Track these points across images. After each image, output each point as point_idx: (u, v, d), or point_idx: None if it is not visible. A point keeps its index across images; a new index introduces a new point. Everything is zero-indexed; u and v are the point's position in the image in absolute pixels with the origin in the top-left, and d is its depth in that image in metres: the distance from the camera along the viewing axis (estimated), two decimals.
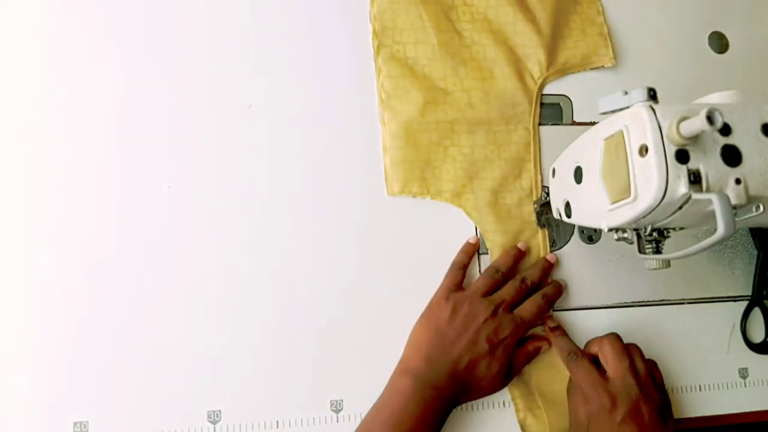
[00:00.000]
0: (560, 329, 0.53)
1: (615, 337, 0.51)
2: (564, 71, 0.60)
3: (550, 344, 0.53)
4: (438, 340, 0.49)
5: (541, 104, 0.59)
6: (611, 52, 0.60)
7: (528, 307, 0.51)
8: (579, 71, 0.60)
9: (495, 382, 0.50)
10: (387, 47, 0.57)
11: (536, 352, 0.53)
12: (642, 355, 0.51)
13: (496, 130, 0.57)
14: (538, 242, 0.56)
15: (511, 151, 0.57)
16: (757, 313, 0.58)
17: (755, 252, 0.59)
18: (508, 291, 0.51)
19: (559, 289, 0.54)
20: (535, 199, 0.56)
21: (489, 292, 0.51)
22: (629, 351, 0.50)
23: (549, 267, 0.55)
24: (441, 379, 0.47)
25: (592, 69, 0.60)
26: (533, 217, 0.56)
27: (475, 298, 0.50)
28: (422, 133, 0.55)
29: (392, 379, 0.49)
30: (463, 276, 0.53)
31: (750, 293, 0.59)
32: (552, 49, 0.59)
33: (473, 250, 0.54)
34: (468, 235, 0.55)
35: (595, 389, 0.48)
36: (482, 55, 0.58)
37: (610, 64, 0.60)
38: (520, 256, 0.55)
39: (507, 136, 0.57)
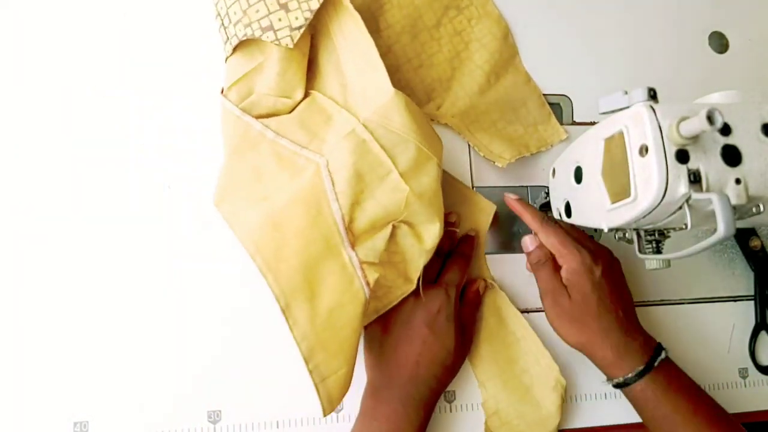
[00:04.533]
0: (523, 201, 0.53)
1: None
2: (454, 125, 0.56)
3: (486, 284, 0.53)
4: (384, 356, 0.48)
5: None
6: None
7: (448, 271, 0.50)
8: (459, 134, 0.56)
9: (457, 353, 0.48)
10: None
11: (478, 296, 0.52)
12: None
13: None
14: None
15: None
16: (764, 337, 0.58)
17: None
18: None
19: (472, 240, 0.53)
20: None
21: None
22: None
23: (452, 225, 0.53)
24: (409, 389, 0.46)
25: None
26: None
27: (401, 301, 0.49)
28: None
29: (365, 406, 0.48)
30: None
31: (750, 294, 0.59)
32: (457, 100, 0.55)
33: None
34: None
35: (575, 247, 0.48)
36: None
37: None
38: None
39: None
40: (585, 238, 0.50)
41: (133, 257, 0.50)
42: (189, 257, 0.51)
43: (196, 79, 0.54)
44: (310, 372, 0.42)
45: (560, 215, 0.50)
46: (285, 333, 0.50)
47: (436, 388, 0.48)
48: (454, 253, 0.52)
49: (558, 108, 0.60)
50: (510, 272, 0.55)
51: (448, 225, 0.52)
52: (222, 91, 0.49)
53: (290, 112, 0.49)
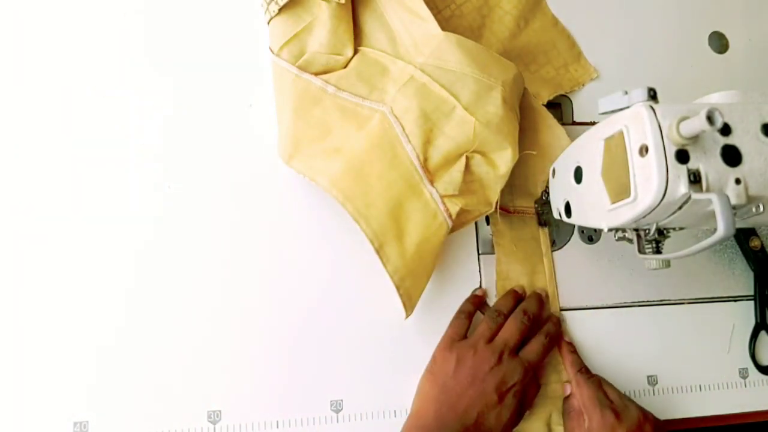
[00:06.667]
0: (572, 345, 0.53)
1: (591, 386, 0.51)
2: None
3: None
4: (445, 395, 0.48)
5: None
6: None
7: (533, 348, 0.50)
8: None
9: (506, 428, 0.48)
10: None
11: (538, 388, 0.52)
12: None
13: None
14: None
15: None
16: (764, 337, 0.58)
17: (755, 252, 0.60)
18: (510, 332, 0.50)
19: (559, 325, 0.54)
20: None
21: (492, 336, 0.50)
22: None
23: (545, 297, 0.54)
24: None
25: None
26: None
27: (479, 346, 0.49)
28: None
29: None
30: (468, 325, 0.52)
31: (750, 294, 0.59)
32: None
33: (479, 301, 0.53)
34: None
35: (601, 405, 0.48)
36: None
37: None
38: (519, 296, 0.54)
39: None
40: (619, 398, 0.50)
41: (133, 257, 0.50)
42: (189, 257, 0.51)
43: (196, 78, 0.54)
44: (400, 295, 0.47)
45: (560, 215, 0.50)
46: (285, 332, 0.50)
47: None
48: (542, 332, 0.52)
49: (558, 108, 0.60)
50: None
51: (516, 295, 0.53)
52: (273, 52, 0.51)
53: (343, 68, 0.52)
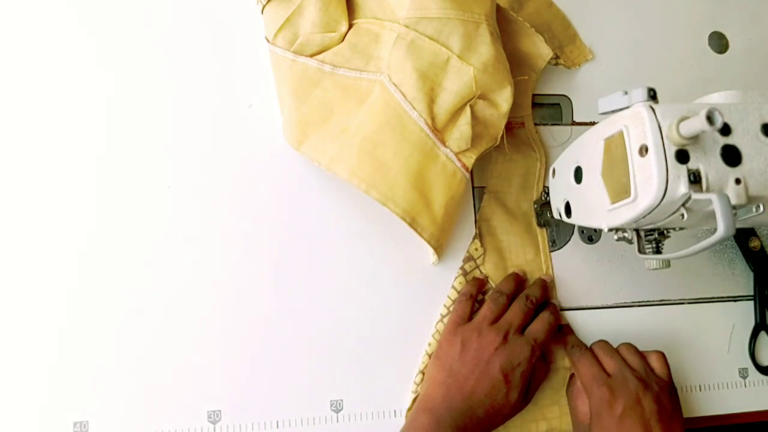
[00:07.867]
0: (567, 326, 0.54)
1: (601, 341, 0.52)
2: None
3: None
4: (452, 379, 0.48)
5: (541, 104, 0.59)
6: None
7: (539, 326, 0.50)
8: None
9: (515, 408, 0.48)
10: None
11: (548, 370, 0.52)
12: (635, 350, 0.51)
13: None
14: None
15: None
16: (764, 337, 0.58)
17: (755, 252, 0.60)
18: (515, 313, 0.50)
19: (557, 310, 0.53)
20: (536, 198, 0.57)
21: (496, 318, 0.50)
22: (618, 349, 0.51)
23: (547, 284, 0.54)
24: (459, 419, 0.46)
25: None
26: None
27: (483, 328, 0.49)
28: None
29: (412, 416, 0.48)
30: (472, 307, 0.52)
31: (750, 294, 0.59)
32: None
33: (480, 284, 0.53)
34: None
35: (596, 382, 0.48)
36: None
37: None
38: (520, 279, 0.54)
39: None
40: (619, 371, 0.48)
41: (133, 257, 0.50)
42: (189, 257, 0.51)
43: (196, 78, 0.54)
44: (434, 248, 0.50)
45: (560, 215, 0.50)
46: (285, 333, 0.50)
47: (484, 429, 0.48)
48: (546, 309, 0.52)
49: (558, 108, 0.60)
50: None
51: (518, 278, 0.54)
52: (268, 41, 0.51)
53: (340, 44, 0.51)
